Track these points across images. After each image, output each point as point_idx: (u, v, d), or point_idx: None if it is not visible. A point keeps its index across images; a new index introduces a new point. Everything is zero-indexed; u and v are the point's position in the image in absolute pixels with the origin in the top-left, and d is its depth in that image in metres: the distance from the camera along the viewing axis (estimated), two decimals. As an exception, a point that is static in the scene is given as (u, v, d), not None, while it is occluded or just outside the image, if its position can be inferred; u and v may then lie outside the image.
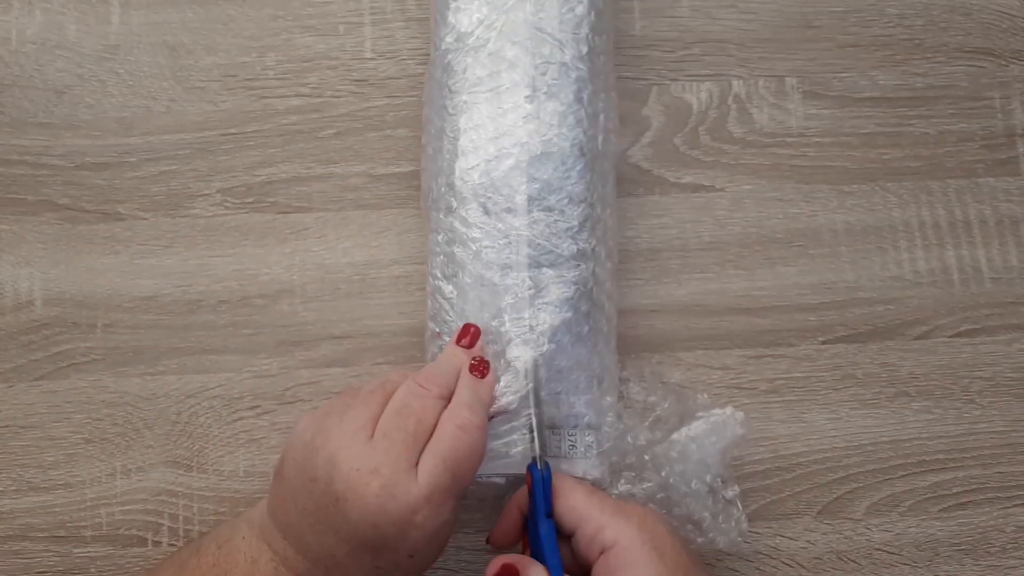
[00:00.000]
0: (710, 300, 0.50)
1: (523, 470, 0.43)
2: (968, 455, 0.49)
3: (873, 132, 0.52)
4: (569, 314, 0.44)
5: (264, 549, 0.40)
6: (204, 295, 0.50)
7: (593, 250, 0.45)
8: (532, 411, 0.43)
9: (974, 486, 0.49)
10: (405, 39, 0.52)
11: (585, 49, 0.46)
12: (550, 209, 0.45)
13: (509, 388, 0.43)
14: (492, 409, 0.43)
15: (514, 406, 0.43)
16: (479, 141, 0.45)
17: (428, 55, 0.49)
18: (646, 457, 0.44)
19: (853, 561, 0.48)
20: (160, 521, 0.49)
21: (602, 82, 0.47)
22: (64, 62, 0.52)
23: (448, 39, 0.46)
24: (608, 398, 0.45)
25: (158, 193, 0.51)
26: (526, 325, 0.44)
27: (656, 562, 0.39)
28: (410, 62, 0.52)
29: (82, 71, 0.52)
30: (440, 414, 0.40)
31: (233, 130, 0.51)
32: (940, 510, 0.49)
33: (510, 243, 0.44)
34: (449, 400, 0.41)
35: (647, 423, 0.46)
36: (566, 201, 0.45)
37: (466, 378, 0.42)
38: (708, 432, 0.44)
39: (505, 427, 0.43)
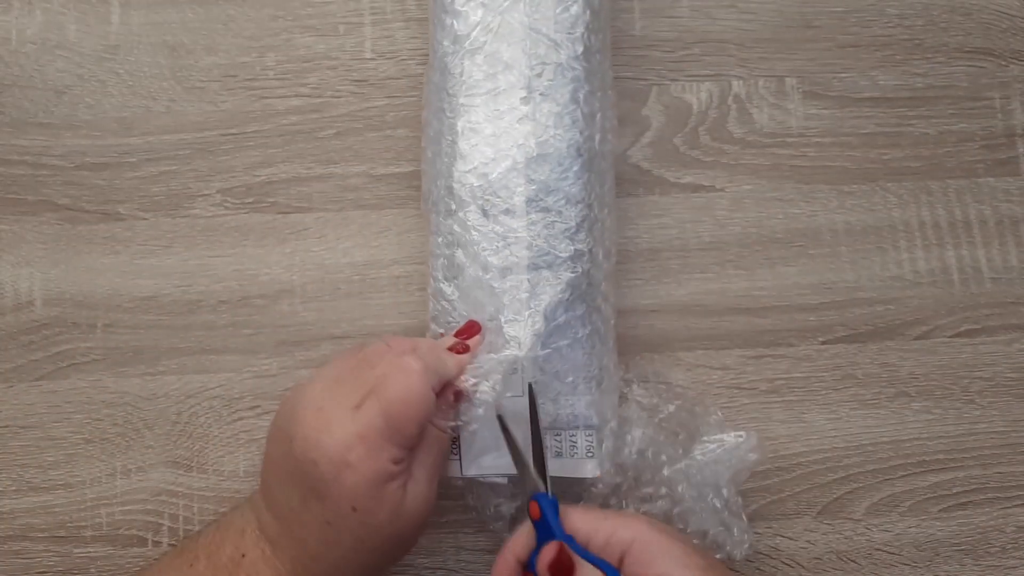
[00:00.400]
0: (710, 300, 0.50)
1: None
2: (968, 455, 0.49)
3: (873, 132, 0.52)
4: (567, 315, 0.44)
5: (251, 519, 0.41)
6: (204, 295, 0.50)
7: (591, 251, 0.45)
8: (531, 438, 0.42)
9: (974, 486, 0.49)
10: (405, 39, 0.52)
11: (581, 49, 0.46)
12: (547, 210, 0.45)
13: (492, 373, 0.43)
14: (464, 385, 0.43)
15: (488, 397, 0.43)
16: (477, 143, 0.45)
17: (428, 55, 0.49)
18: (658, 479, 0.45)
19: (853, 561, 0.49)
20: (160, 521, 0.49)
21: (599, 82, 0.47)
22: (64, 62, 0.52)
23: (445, 42, 0.46)
24: (608, 399, 0.45)
25: (158, 193, 0.51)
26: (524, 327, 0.44)
27: (680, 543, 0.39)
28: (410, 62, 0.52)
29: (82, 71, 0.52)
30: None
31: (233, 130, 0.51)
32: (940, 510, 0.49)
33: (508, 245, 0.45)
34: None
35: (651, 428, 0.46)
36: (563, 202, 0.45)
37: (437, 343, 0.43)
38: (722, 457, 0.45)
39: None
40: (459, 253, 0.45)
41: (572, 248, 0.45)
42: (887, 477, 0.49)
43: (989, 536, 0.49)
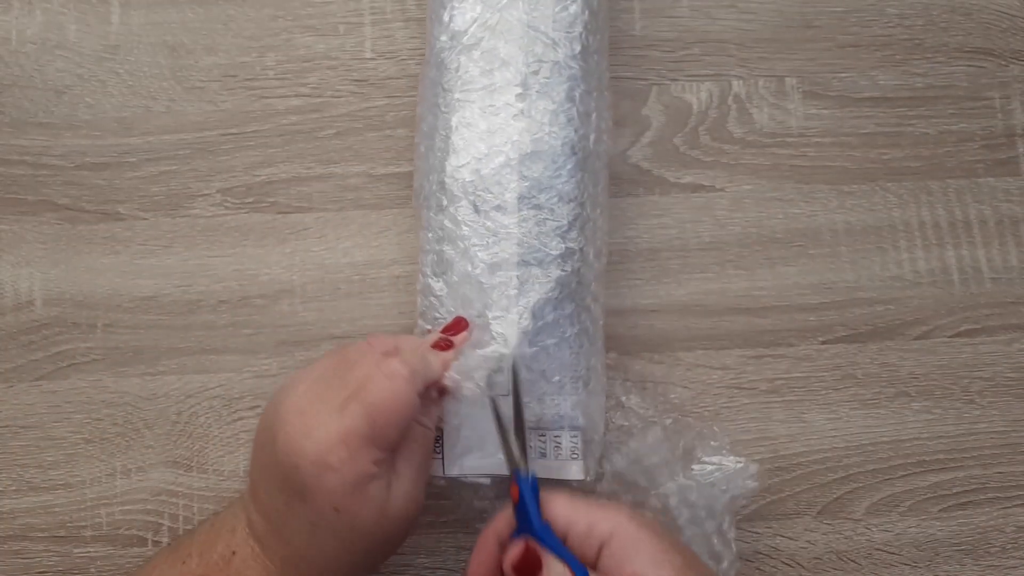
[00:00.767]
0: (710, 300, 0.50)
1: (507, 470, 0.42)
2: (968, 455, 0.49)
3: (873, 132, 0.52)
4: (555, 314, 0.44)
5: (241, 517, 0.41)
6: (204, 295, 0.50)
7: (582, 250, 0.45)
8: (513, 416, 0.42)
9: (974, 486, 0.49)
10: (405, 39, 0.52)
11: (578, 48, 0.46)
12: (540, 207, 0.44)
13: (478, 370, 0.42)
14: (450, 383, 0.42)
15: (475, 395, 0.42)
16: (470, 139, 0.45)
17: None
18: (652, 492, 0.44)
19: (853, 561, 0.49)
20: (160, 521, 0.49)
21: (595, 82, 0.47)
22: (64, 62, 0.52)
23: (443, 38, 0.46)
24: (594, 400, 0.45)
25: (158, 193, 0.51)
26: (511, 324, 0.44)
27: (659, 540, 0.38)
28: (410, 62, 0.52)
29: (82, 71, 0.52)
30: None
31: (233, 130, 0.51)
32: (940, 510, 0.49)
33: (499, 241, 0.44)
34: None
35: (647, 439, 0.46)
36: (556, 200, 0.45)
37: (420, 341, 0.42)
38: (720, 481, 0.44)
39: (490, 426, 0.42)
40: (449, 248, 0.45)
41: (563, 246, 0.44)
42: (887, 477, 0.49)
43: (989, 536, 0.49)
